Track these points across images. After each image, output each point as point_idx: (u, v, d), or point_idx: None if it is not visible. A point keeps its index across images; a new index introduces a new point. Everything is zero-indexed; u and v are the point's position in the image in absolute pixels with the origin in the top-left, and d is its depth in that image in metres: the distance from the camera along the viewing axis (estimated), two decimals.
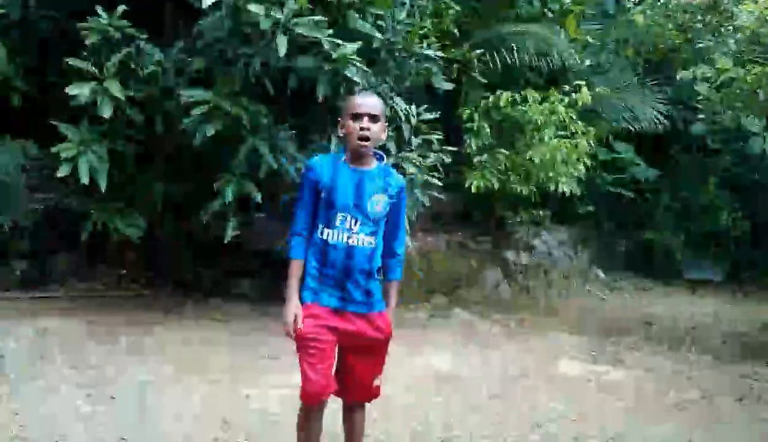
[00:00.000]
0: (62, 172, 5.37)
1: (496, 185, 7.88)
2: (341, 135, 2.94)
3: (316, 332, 2.85)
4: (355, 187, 2.87)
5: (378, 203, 2.88)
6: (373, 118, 2.85)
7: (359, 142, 2.85)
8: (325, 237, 2.86)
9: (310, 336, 2.85)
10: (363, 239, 2.86)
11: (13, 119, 6.41)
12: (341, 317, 2.89)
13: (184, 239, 7.28)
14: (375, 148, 2.96)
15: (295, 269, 2.91)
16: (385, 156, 3.02)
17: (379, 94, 6.02)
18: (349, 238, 2.84)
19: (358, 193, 2.87)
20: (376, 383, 3.08)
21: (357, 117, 2.84)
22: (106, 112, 5.30)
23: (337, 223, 2.84)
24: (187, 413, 4.24)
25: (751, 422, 4.71)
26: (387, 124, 3.00)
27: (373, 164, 2.96)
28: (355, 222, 2.85)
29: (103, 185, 5.47)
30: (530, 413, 4.61)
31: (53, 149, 5.43)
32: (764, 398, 5.20)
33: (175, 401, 4.39)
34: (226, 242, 5.85)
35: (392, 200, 2.94)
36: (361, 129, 2.83)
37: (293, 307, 2.85)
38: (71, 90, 5.28)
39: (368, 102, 2.93)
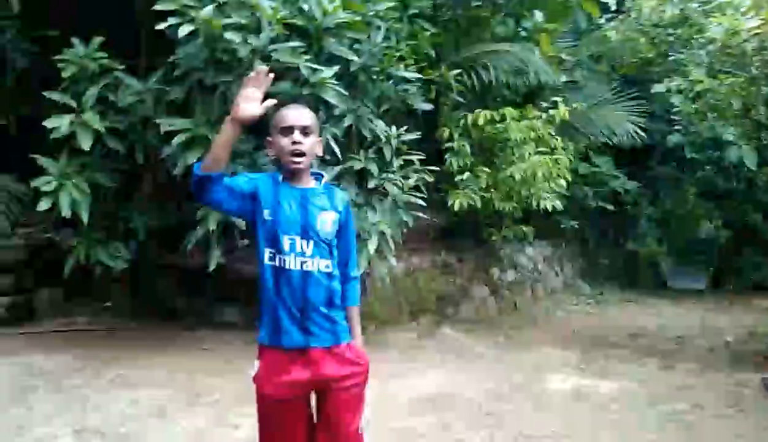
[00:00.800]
0: (43, 205, 5.34)
1: (479, 203, 7.92)
2: (271, 156, 2.65)
3: (281, 393, 2.52)
4: (300, 206, 2.56)
5: (327, 222, 2.58)
6: (305, 131, 2.56)
7: (292, 158, 2.54)
8: (276, 263, 2.53)
9: (273, 399, 2.53)
10: (319, 263, 2.54)
11: None
12: (307, 359, 2.52)
13: (169, 268, 7.25)
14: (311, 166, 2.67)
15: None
16: (324, 174, 2.74)
17: (359, 117, 6.07)
18: (303, 263, 2.52)
19: (303, 211, 2.56)
20: (361, 424, 2.64)
21: (287, 131, 2.54)
22: (86, 144, 5.29)
23: (287, 247, 2.52)
24: None
25: (743, 429, 4.73)
26: (320, 138, 2.71)
27: (314, 183, 2.66)
28: (308, 244, 2.53)
29: (85, 218, 5.43)
30: (522, 429, 4.60)
31: (33, 183, 5.40)
32: (755, 405, 5.23)
33: (163, 433, 4.35)
34: (210, 270, 5.83)
35: (341, 217, 2.64)
36: (293, 144, 2.53)
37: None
38: (50, 123, 5.27)
39: (298, 114, 2.60)
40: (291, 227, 2.53)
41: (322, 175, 2.72)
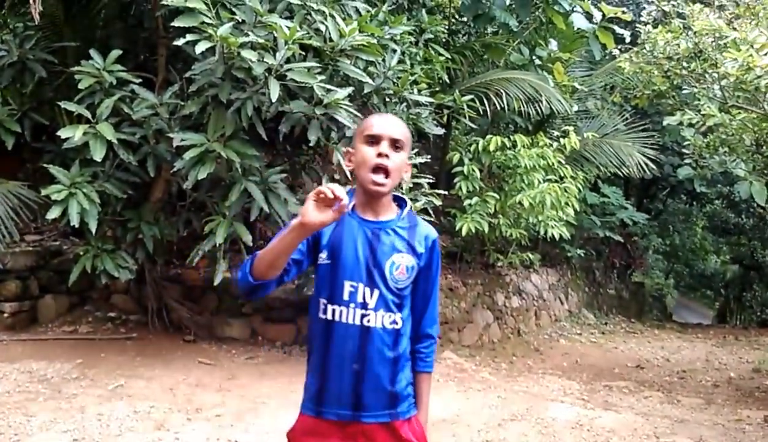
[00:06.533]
0: (52, 214, 5.36)
1: (486, 228, 7.93)
2: (349, 169, 2.15)
3: None
4: (369, 245, 2.08)
5: (399, 267, 2.09)
6: (395, 145, 2.07)
7: (373, 175, 2.04)
8: (329, 316, 2.07)
9: None
10: (383, 318, 2.07)
11: (5, 161, 6.43)
12: (353, 433, 2.09)
13: (174, 281, 7.27)
14: (395, 190, 2.18)
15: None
16: (408, 201, 2.23)
17: None
18: (363, 316, 2.05)
19: (372, 252, 2.08)
20: None
21: (373, 141, 2.06)
22: (98, 155, 5.32)
23: (346, 296, 2.05)
24: None
25: None
26: (412, 161, 2.15)
27: (394, 212, 2.17)
28: (371, 294, 2.06)
29: (93, 227, 5.46)
30: None
31: (43, 191, 5.44)
32: None
33: None
34: (215, 284, 5.84)
35: (420, 262, 2.14)
36: (379, 156, 2.04)
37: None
38: (64, 133, 5.31)
39: (390, 123, 2.10)
40: (354, 272, 2.07)
41: (406, 203, 2.21)
